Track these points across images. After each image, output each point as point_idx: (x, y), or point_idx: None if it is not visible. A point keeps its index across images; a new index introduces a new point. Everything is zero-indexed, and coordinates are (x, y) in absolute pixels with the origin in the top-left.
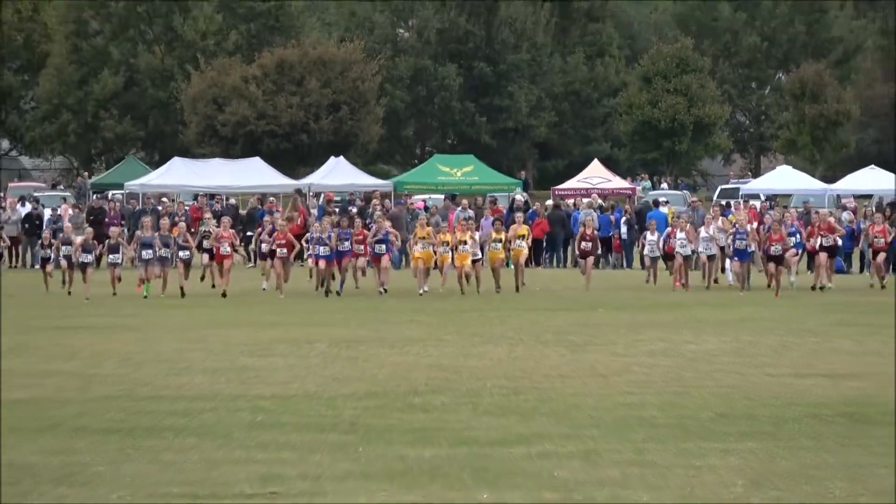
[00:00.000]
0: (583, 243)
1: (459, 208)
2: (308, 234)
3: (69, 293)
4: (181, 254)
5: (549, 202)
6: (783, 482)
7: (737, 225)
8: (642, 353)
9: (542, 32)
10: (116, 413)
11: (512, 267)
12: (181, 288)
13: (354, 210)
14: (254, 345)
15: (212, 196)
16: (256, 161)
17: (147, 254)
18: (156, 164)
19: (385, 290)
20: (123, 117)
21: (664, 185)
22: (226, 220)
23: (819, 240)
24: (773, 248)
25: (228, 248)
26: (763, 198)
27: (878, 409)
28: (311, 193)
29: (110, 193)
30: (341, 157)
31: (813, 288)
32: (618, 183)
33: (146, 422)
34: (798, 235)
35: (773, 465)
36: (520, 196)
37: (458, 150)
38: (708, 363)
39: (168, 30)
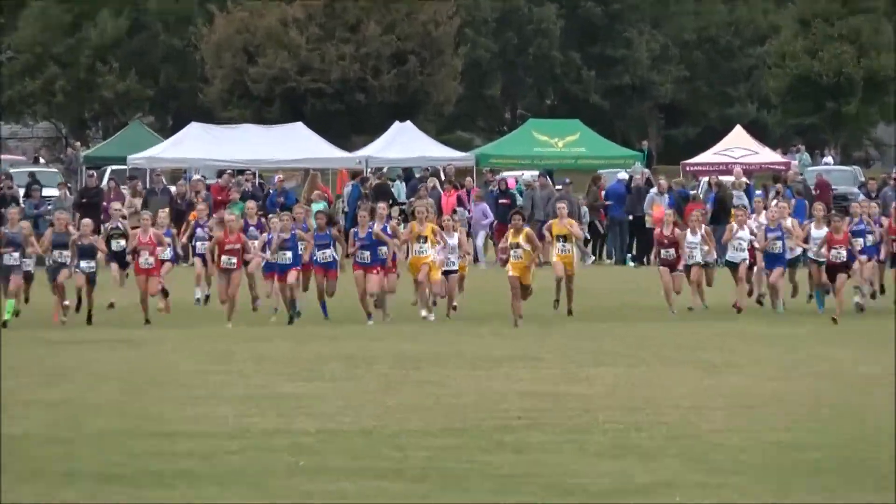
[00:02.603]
0: (662, 250)
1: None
2: (266, 235)
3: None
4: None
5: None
6: None
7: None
8: (801, 376)
9: None
10: (114, 454)
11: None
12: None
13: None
14: (295, 364)
15: (240, 172)
16: (298, 127)
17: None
18: (168, 132)
19: (373, 311)
20: (127, 71)
21: (828, 158)
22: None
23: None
24: (833, 253)
25: (151, 259)
26: None
27: None
28: (368, 169)
29: (108, 169)
30: (408, 123)
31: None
32: (767, 156)
33: (153, 465)
34: (865, 236)
35: None
36: (638, 173)
37: (559, 114)
38: (888, 388)
39: None
